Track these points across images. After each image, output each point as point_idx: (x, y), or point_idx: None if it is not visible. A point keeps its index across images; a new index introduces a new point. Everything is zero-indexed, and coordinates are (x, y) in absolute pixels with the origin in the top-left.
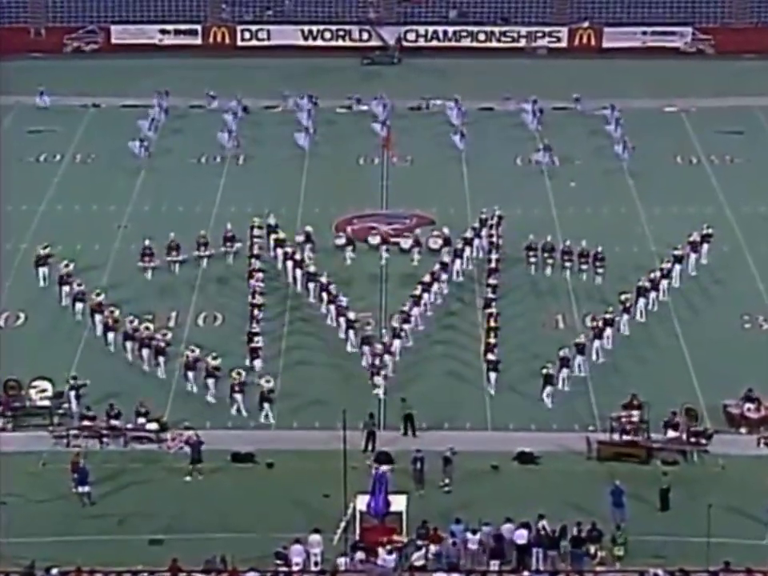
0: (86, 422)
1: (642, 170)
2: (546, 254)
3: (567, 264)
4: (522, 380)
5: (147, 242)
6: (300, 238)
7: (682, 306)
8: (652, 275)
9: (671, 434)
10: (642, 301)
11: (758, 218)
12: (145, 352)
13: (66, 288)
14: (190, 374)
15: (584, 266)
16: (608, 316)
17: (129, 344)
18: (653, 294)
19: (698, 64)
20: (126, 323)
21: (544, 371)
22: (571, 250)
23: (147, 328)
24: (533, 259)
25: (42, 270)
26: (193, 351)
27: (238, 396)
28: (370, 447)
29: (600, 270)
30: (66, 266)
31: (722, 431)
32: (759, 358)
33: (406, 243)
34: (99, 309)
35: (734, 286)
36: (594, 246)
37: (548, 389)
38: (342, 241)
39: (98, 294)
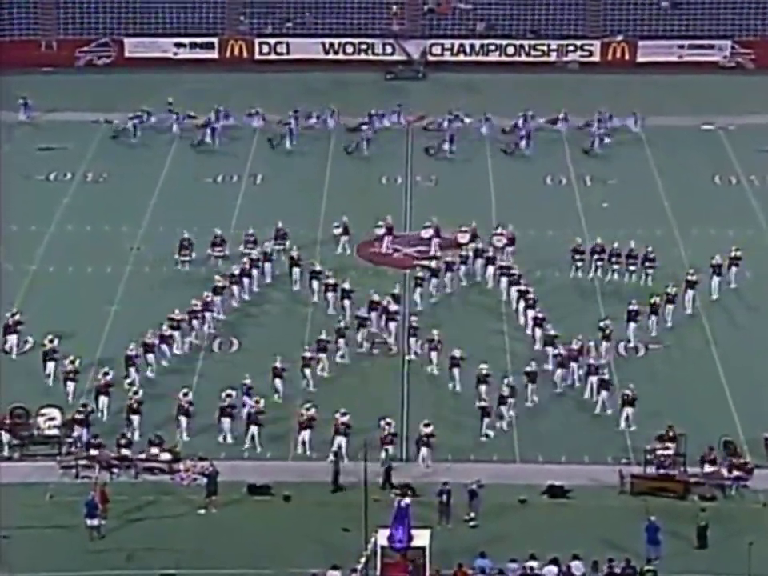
0: (92, 451)
1: (679, 191)
2: (595, 256)
3: (615, 266)
4: (550, 410)
5: (186, 234)
6: (338, 231)
7: (716, 333)
8: (652, 300)
9: (709, 468)
10: (632, 325)
11: None
12: (226, 421)
13: (71, 385)
14: (305, 434)
15: (632, 267)
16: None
17: (183, 419)
18: (653, 318)
19: (737, 79)
20: (181, 398)
21: (482, 404)
22: (620, 252)
23: (229, 396)
24: (579, 263)
25: (11, 339)
26: (308, 410)
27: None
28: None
29: (650, 271)
30: (72, 362)
31: (763, 465)
32: None
33: (463, 238)
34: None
35: None
36: (645, 246)
37: (486, 421)
38: (381, 231)
39: (136, 393)
